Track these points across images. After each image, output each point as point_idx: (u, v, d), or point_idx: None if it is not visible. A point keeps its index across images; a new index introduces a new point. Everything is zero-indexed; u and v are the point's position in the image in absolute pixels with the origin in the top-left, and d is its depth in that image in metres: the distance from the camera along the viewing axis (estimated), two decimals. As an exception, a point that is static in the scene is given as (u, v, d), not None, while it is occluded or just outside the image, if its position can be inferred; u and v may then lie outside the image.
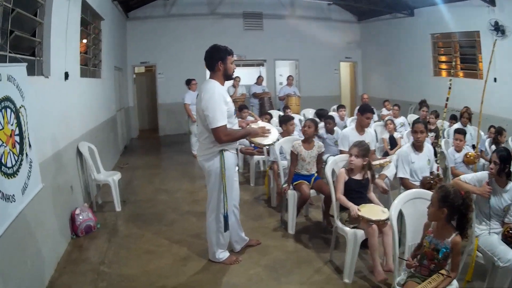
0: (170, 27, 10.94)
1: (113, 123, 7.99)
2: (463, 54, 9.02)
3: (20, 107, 3.00)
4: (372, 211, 3.09)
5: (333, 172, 3.62)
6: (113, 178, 5.01)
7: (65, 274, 3.40)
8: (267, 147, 4.56)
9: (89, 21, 5.89)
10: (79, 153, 4.81)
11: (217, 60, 3.24)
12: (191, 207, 5.11)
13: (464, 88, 8.29)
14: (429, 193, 2.54)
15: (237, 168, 3.58)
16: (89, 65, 6.04)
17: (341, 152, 4.47)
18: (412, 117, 7.59)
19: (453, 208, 2.22)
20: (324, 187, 3.98)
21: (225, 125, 3.14)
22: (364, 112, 4.46)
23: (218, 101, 3.12)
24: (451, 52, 9.33)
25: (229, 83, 9.72)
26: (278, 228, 4.39)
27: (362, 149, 3.38)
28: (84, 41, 5.82)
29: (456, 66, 9.05)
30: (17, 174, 2.88)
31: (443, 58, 9.68)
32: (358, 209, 3.08)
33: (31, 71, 3.49)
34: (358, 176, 3.41)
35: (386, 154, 5.84)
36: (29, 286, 2.88)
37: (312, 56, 12.28)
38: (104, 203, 5.28)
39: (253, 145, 3.76)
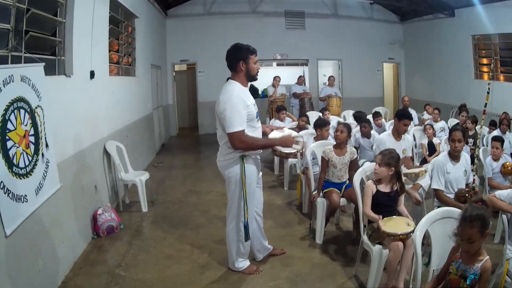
0: (210, 25, 11.04)
1: (149, 121, 8.16)
2: (503, 57, 8.54)
3: (36, 108, 3.07)
4: (396, 224, 2.86)
5: (363, 181, 3.41)
6: (140, 178, 5.06)
7: (79, 275, 3.45)
8: (290, 157, 4.43)
9: (121, 19, 6.02)
10: (106, 152, 4.92)
11: (239, 59, 3.12)
12: (219, 211, 5.04)
13: (504, 92, 7.96)
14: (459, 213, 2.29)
15: (260, 174, 3.44)
16: (121, 63, 6.17)
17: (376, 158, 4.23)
18: (453, 121, 7.31)
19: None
20: (355, 196, 3.73)
21: (242, 130, 3.00)
22: (402, 118, 4.22)
23: (236, 104, 2.99)
24: (491, 55, 8.86)
25: (268, 82, 9.67)
26: (306, 236, 4.22)
27: (388, 157, 3.12)
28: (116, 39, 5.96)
29: (497, 69, 8.61)
30: (30, 175, 2.95)
31: (484, 61, 9.27)
32: (380, 224, 2.85)
33: (51, 71, 3.58)
34: (386, 188, 3.15)
35: (424, 161, 5.59)
36: (38, 285, 2.93)
37: (355, 56, 12.10)
38: (132, 203, 5.36)
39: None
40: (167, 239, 4.24)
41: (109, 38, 5.23)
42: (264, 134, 3.38)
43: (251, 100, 3.15)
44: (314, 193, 4.09)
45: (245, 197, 3.15)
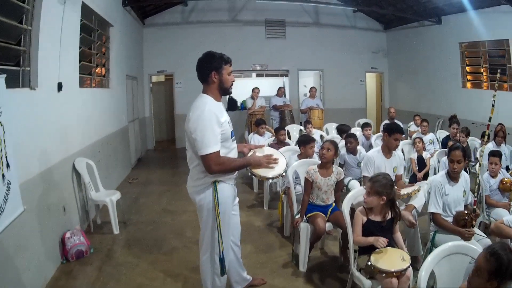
0: (188, 35, 10.90)
1: (124, 135, 7.93)
2: (492, 64, 8.63)
3: (-6, 124, 2.87)
4: (389, 259, 2.68)
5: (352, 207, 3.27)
6: (111, 198, 4.83)
7: (46, 305, 3.22)
8: (271, 180, 4.24)
9: (94, 27, 5.82)
10: (76, 170, 4.69)
11: (211, 69, 2.81)
12: (194, 234, 4.78)
13: (497, 102, 7.85)
14: (470, 248, 2.19)
15: (236, 200, 3.21)
16: (94, 74, 5.96)
17: (365, 178, 4.11)
18: (441, 133, 7.29)
19: (505, 280, 1.86)
20: (342, 220, 3.51)
21: (217, 152, 2.71)
22: (393, 132, 4.06)
23: (208, 122, 2.69)
24: (479, 62, 8.96)
25: (247, 94, 9.55)
26: (288, 263, 4.04)
27: (378, 185, 2.92)
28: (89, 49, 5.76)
29: (485, 78, 8.68)
30: (-12, 199, 2.75)
31: (471, 69, 9.35)
32: (371, 259, 2.68)
33: (15, 83, 3.38)
34: (378, 217, 2.98)
35: (414, 176, 5.48)
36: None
37: (337, 66, 12.07)
38: (104, 224, 5.11)
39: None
40: (139, 266, 4.01)
41: (80, 48, 5.03)
42: (242, 154, 3.15)
43: (225, 117, 2.86)
44: (297, 217, 3.91)
45: (219, 227, 2.87)
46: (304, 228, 3.80)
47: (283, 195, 4.80)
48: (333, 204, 3.90)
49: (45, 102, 3.87)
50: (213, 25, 11.13)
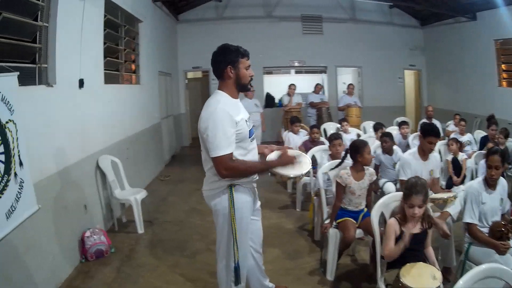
0: (223, 31, 10.80)
1: (156, 132, 7.97)
2: None
3: (6, 123, 2.85)
4: (419, 276, 2.43)
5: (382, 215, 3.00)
6: (136, 197, 4.80)
7: (58, 306, 3.21)
8: (292, 179, 4.02)
9: (120, 23, 5.83)
10: (100, 168, 4.71)
11: (226, 64, 2.63)
12: (220, 235, 4.76)
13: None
14: (505, 271, 1.92)
15: (258, 204, 3.00)
16: (121, 70, 5.99)
17: (401, 182, 3.82)
18: (479, 133, 6.85)
19: None
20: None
21: (229, 154, 2.51)
22: (427, 135, 3.77)
23: (220, 121, 2.49)
24: None
25: (286, 91, 9.38)
26: (316, 270, 3.82)
27: (427, 195, 2.67)
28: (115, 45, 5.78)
29: None
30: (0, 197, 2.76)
31: (504, 67, 8.82)
32: (400, 274, 2.44)
33: (31, 81, 3.40)
34: (414, 229, 2.70)
35: (450, 180, 5.13)
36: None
37: (374, 63, 11.76)
38: (129, 223, 5.09)
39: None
40: (159, 268, 3.93)
41: (105, 44, 5.04)
42: (262, 155, 2.93)
43: (241, 114, 2.65)
44: (326, 222, 3.69)
45: (235, 235, 2.67)
46: (333, 235, 3.57)
47: (315, 197, 4.59)
48: (365, 209, 3.64)
49: (64, 99, 3.85)
50: (247, 21, 11.06)
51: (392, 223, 2.74)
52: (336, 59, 11.72)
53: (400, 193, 2.96)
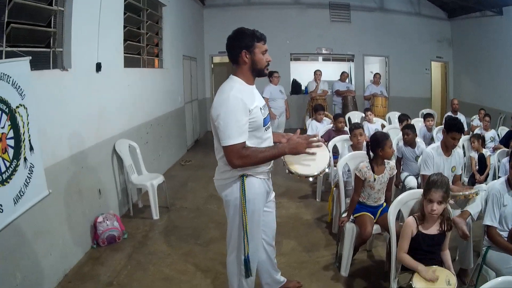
0: (250, 16, 10.70)
1: (179, 116, 7.96)
2: None
3: (17, 107, 2.85)
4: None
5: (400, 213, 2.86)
6: (152, 182, 4.78)
7: (64, 291, 3.22)
8: (311, 179, 3.90)
9: (142, 7, 5.76)
10: (117, 153, 4.73)
11: (241, 48, 2.50)
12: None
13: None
14: None
15: (272, 195, 2.89)
16: (143, 54, 5.96)
17: (423, 177, 3.65)
18: (503, 129, 6.58)
19: None
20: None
21: (241, 143, 2.40)
22: (450, 130, 3.61)
23: (232, 109, 2.38)
24: None
25: (311, 77, 9.19)
26: (330, 265, 3.70)
27: (447, 192, 2.53)
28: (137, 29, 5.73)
29: None
30: (8, 182, 2.74)
31: None
32: (411, 279, 2.32)
33: (45, 65, 3.39)
34: (431, 229, 2.56)
35: (472, 177, 4.92)
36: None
37: (402, 53, 11.56)
38: (145, 208, 5.11)
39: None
40: (171, 256, 3.92)
41: (125, 28, 4.99)
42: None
43: (256, 102, 2.53)
44: (343, 216, 3.55)
45: (245, 227, 2.59)
46: (350, 229, 3.43)
47: (334, 189, 4.46)
48: (384, 204, 3.47)
49: (79, 83, 3.82)
50: (275, 7, 10.99)
51: (410, 222, 2.61)
52: (363, 48, 11.60)
53: (420, 190, 2.82)
